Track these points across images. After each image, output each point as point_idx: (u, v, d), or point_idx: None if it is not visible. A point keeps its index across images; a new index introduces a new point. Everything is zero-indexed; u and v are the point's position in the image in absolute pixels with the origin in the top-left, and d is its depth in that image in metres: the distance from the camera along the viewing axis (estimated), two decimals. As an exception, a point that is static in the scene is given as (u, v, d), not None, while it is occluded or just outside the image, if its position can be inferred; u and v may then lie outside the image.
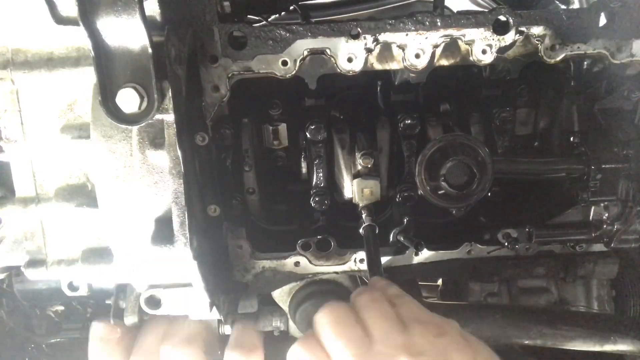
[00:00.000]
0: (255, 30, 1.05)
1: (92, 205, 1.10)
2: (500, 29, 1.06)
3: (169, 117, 0.93)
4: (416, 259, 1.24)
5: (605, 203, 1.17)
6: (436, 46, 1.07)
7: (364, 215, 1.21)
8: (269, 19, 1.56)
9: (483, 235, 1.27)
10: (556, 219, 1.26)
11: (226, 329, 1.24)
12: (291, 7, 1.54)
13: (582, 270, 1.37)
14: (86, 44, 0.84)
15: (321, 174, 1.29)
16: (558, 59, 1.09)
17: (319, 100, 1.33)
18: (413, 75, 1.14)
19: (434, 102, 1.36)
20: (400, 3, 1.70)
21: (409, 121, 1.26)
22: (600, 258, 1.37)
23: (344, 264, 1.22)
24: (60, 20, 0.94)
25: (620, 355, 1.35)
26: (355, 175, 1.27)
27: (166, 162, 0.95)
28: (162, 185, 0.99)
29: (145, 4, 0.85)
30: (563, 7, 1.57)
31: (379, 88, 1.38)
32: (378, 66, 1.11)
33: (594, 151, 1.12)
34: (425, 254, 1.23)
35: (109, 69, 0.87)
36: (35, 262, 1.16)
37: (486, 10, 1.10)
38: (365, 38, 1.05)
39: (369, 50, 1.06)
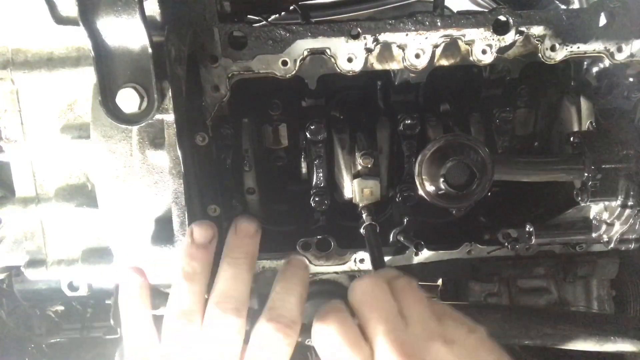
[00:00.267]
0: (255, 30, 1.05)
1: (92, 205, 1.11)
2: (500, 29, 1.06)
3: (169, 117, 0.93)
4: (416, 259, 1.24)
5: (605, 203, 1.17)
6: (436, 46, 1.07)
7: (364, 215, 1.21)
8: (269, 19, 1.56)
9: (483, 235, 1.27)
10: (556, 219, 1.26)
11: None
12: (291, 7, 1.53)
13: (582, 270, 1.37)
14: (86, 44, 0.84)
15: (321, 174, 1.29)
16: (558, 59, 1.09)
17: (319, 100, 1.33)
18: (413, 75, 1.14)
19: (434, 102, 1.36)
20: (400, 3, 1.70)
21: (409, 121, 1.26)
22: (600, 258, 1.37)
23: (344, 264, 1.22)
24: (60, 20, 0.94)
25: (620, 355, 1.35)
26: (355, 175, 1.27)
27: (166, 162, 0.95)
28: (162, 185, 0.99)
29: (145, 4, 0.85)
30: (563, 7, 1.57)
31: (379, 88, 1.38)
32: (378, 66, 1.11)
33: (594, 151, 1.11)
34: (425, 254, 1.23)
35: (109, 69, 0.87)
36: (35, 262, 1.17)
37: (486, 10, 1.10)
38: (365, 38, 1.05)
39: (369, 50, 1.06)
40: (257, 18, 1.51)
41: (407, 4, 1.72)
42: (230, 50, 1.05)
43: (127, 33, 0.85)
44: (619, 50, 1.09)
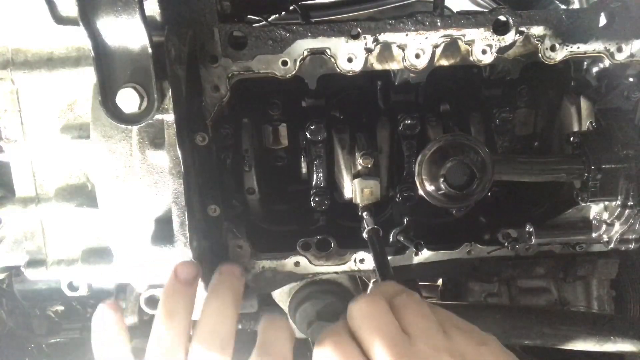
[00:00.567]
0: (255, 30, 1.05)
1: (92, 205, 1.11)
2: (500, 29, 1.06)
3: (169, 117, 0.93)
4: (416, 259, 1.24)
5: (605, 203, 1.17)
6: (436, 46, 1.07)
7: (365, 218, 1.20)
8: (269, 19, 1.56)
9: (483, 235, 1.27)
10: (556, 219, 1.26)
11: None
12: (291, 7, 1.53)
13: (582, 270, 1.37)
14: (86, 44, 0.85)
15: (321, 174, 1.29)
16: (558, 59, 1.09)
17: (319, 100, 1.33)
18: (413, 75, 1.14)
19: (434, 102, 1.36)
20: (400, 3, 1.69)
21: (409, 121, 1.26)
22: (600, 258, 1.37)
23: (344, 264, 1.22)
24: (60, 20, 0.95)
25: (621, 355, 1.35)
26: (355, 175, 1.27)
27: (166, 162, 0.95)
28: (162, 185, 0.99)
29: (145, 4, 0.85)
30: (563, 7, 1.57)
31: (379, 88, 1.38)
32: (378, 66, 1.11)
33: (594, 151, 1.11)
34: (425, 254, 1.23)
35: (109, 69, 0.87)
36: (35, 262, 1.17)
37: (486, 10, 1.10)
38: (365, 38, 1.05)
39: (369, 50, 1.06)
40: (257, 18, 1.51)
41: (407, 4, 1.72)
42: (230, 50, 1.05)
43: (127, 33, 0.85)
44: (619, 50, 1.09)
